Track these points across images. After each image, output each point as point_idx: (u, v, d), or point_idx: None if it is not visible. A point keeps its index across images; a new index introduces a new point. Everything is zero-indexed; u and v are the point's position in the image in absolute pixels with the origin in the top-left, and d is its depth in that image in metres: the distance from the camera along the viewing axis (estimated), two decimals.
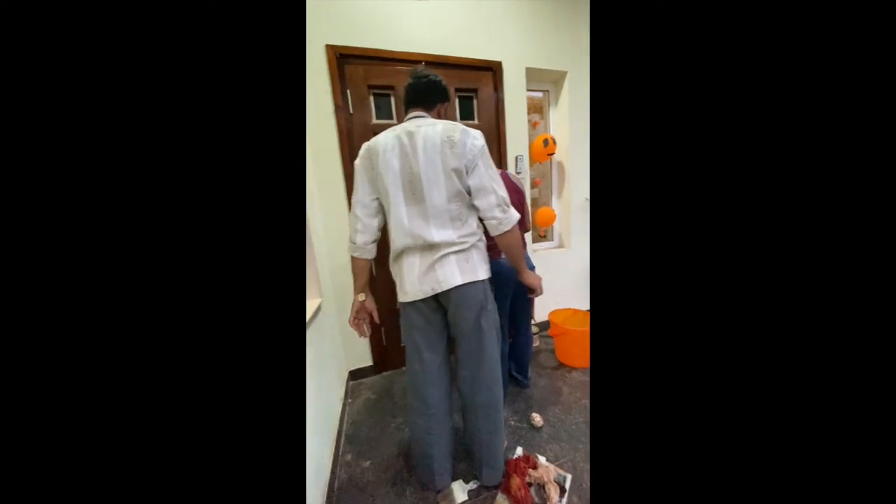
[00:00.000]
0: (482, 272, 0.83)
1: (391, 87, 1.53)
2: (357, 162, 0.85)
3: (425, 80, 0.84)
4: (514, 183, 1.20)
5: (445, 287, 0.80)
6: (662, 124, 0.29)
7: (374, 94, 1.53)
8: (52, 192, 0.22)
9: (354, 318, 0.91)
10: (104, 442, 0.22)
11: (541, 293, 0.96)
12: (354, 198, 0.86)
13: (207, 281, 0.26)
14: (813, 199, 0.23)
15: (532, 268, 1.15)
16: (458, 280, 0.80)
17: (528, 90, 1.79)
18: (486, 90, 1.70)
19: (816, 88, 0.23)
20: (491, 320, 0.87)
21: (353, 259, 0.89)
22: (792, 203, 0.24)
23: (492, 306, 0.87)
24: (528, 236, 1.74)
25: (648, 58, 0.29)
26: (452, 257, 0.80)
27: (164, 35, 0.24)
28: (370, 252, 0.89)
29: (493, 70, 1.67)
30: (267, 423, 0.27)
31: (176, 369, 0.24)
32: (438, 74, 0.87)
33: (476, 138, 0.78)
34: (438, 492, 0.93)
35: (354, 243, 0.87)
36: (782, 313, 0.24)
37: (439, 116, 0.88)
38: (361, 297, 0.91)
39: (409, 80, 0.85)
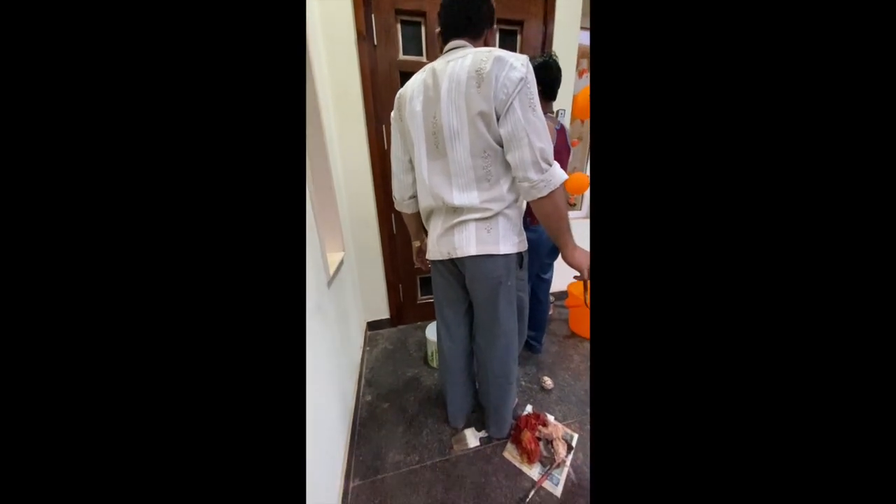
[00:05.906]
0: (506, 246, 0.70)
1: (422, 14, 1.31)
2: (392, 113, 0.77)
3: None
4: (564, 139, 1.03)
5: (459, 254, 0.73)
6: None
7: (402, 22, 1.32)
8: (48, 178, 0.20)
9: (418, 259, 1.02)
10: (104, 425, 0.21)
11: (587, 278, 0.69)
12: (391, 151, 0.81)
13: (201, 269, 0.24)
14: (816, 196, 0.23)
15: None
16: (472, 250, 0.71)
17: (581, 28, 1.50)
18: (534, 24, 1.44)
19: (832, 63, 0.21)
20: (510, 295, 0.78)
21: (401, 213, 0.92)
22: (803, 203, 0.23)
23: (513, 282, 0.76)
24: None
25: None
26: (472, 224, 0.70)
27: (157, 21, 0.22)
28: (409, 207, 0.87)
29: None
30: (267, 414, 0.26)
31: (172, 352, 0.23)
32: None
33: (514, 68, 0.57)
34: (453, 436, 1.01)
35: (395, 198, 0.88)
36: (783, 306, 0.24)
37: (486, 45, 0.68)
38: (416, 243, 1.00)
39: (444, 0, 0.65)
